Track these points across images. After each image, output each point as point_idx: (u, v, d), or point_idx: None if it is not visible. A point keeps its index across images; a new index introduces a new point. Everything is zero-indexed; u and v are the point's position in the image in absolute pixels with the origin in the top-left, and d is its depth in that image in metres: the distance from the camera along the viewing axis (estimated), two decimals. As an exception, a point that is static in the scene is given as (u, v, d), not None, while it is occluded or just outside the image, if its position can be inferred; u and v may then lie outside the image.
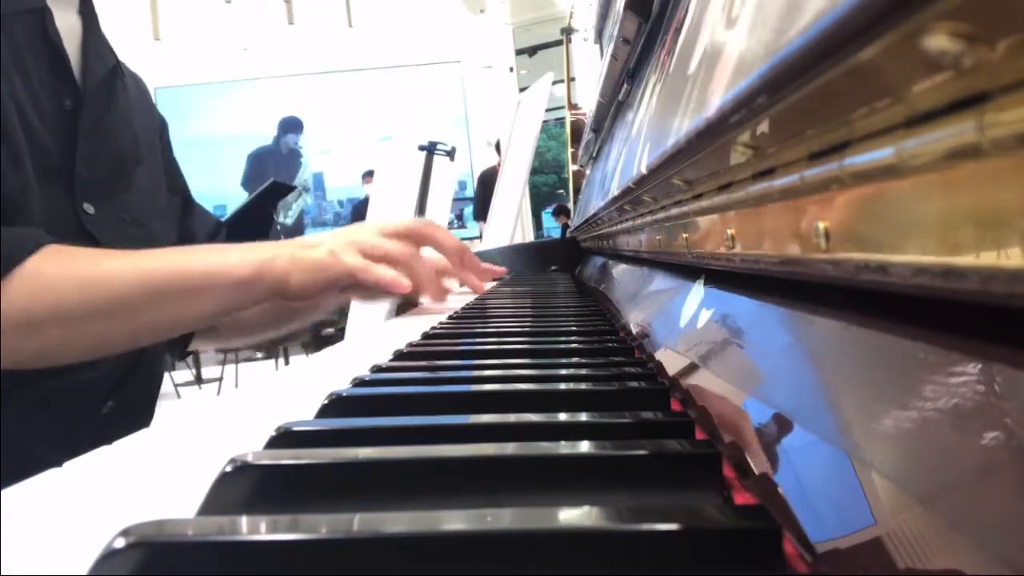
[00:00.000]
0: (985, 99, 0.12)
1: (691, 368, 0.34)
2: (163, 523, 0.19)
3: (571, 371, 0.43)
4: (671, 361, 0.37)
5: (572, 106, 2.61)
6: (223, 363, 4.39)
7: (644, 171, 0.46)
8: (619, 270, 0.88)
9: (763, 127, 0.24)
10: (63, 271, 0.59)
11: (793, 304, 0.27)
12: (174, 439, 0.33)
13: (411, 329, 0.67)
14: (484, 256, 1.41)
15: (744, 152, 0.27)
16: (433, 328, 0.64)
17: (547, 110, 2.15)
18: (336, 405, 0.33)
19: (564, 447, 0.25)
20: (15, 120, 0.64)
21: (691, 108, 0.33)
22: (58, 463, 0.28)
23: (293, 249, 0.66)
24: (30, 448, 0.64)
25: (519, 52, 6.96)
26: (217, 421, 0.36)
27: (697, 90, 0.33)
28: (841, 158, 0.19)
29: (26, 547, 0.21)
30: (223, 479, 0.23)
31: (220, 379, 4.28)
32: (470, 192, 6.33)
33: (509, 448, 0.25)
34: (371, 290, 0.70)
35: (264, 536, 0.18)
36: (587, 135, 1.68)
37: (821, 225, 0.21)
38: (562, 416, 0.30)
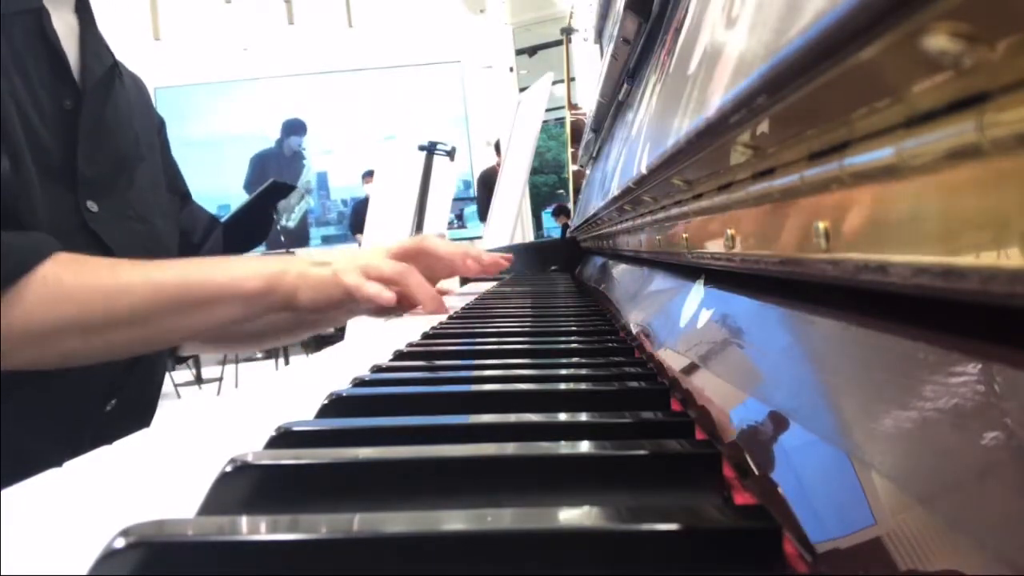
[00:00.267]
0: (985, 99, 0.12)
1: (691, 368, 0.34)
2: (163, 523, 0.19)
3: (571, 371, 0.43)
4: (671, 361, 0.37)
5: (572, 106, 2.61)
6: (223, 363, 4.39)
7: (644, 171, 0.46)
8: (619, 270, 0.88)
9: (763, 127, 0.24)
10: (82, 281, 0.61)
11: (793, 304, 0.27)
12: (174, 439, 0.33)
13: (411, 329, 0.67)
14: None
15: (744, 152, 0.27)
16: (433, 328, 0.64)
17: (547, 110, 2.15)
18: (336, 405, 0.33)
19: (564, 447, 0.25)
20: (16, 121, 0.65)
21: (691, 108, 0.33)
22: (60, 463, 0.28)
23: (302, 266, 0.69)
24: (31, 447, 0.65)
25: (519, 52, 6.96)
26: (217, 421, 0.36)
27: (697, 90, 0.33)
28: (841, 158, 0.19)
29: (26, 547, 0.21)
30: (223, 479, 0.23)
31: (220, 379, 4.27)
32: (471, 192, 6.33)
33: (509, 448, 0.25)
34: (370, 307, 0.73)
35: (264, 536, 0.18)
36: (587, 135, 1.68)
37: (821, 225, 0.21)
38: (562, 416, 0.30)
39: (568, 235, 1.88)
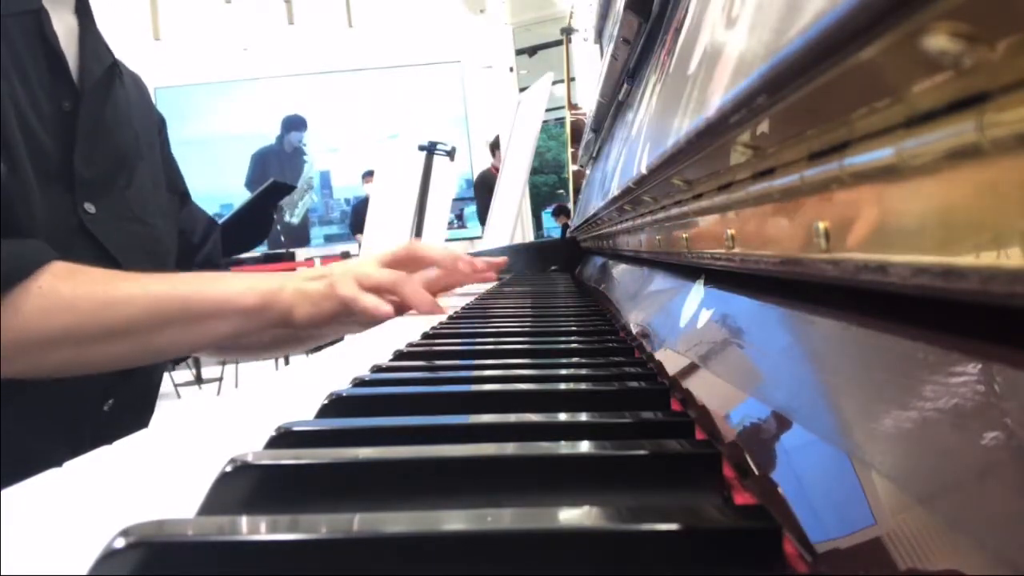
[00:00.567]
0: (985, 99, 0.12)
1: (691, 368, 0.34)
2: (163, 523, 0.19)
3: (571, 371, 0.43)
4: (671, 361, 0.37)
5: (572, 106, 2.61)
6: (223, 363, 4.39)
7: (644, 171, 0.46)
8: (619, 270, 0.88)
9: (763, 127, 0.24)
10: (79, 292, 0.61)
11: (793, 304, 0.27)
12: (174, 439, 0.33)
13: (411, 329, 0.67)
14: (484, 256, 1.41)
15: (744, 152, 0.27)
16: (433, 328, 0.64)
17: (547, 110, 2.15)
18: (336, 405, 0.33)
19: (564, 447, 0.25)
20: (14, 123, 0.64)
21: (691, 108, 0.33)
22: (59, 462, 0.28)
23: (298, 281, 0.69)
24: (31, 447, 0.65)
25: (519, 52, 6.97)
26: (217, 421, 0.36)
27: (697, 90, 0.33)
28: (841, 158, 0.19)
29: (26, 547, 0.21)
30: (223, 479, 0.23)
31: (220, 379, 4.27)
32: (471, 192, 6.33)
33: (509, 448, 0.25)
34: (367, 320, 0.73)
35: (264, 536, 0.18)
36: (587, 135, 1.68)
37: (821, 225, 0.21)
38: (562, 416, 0.30)
39: (568, 235, 1.88)
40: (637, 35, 0.85)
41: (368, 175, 5.49)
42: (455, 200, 4.79)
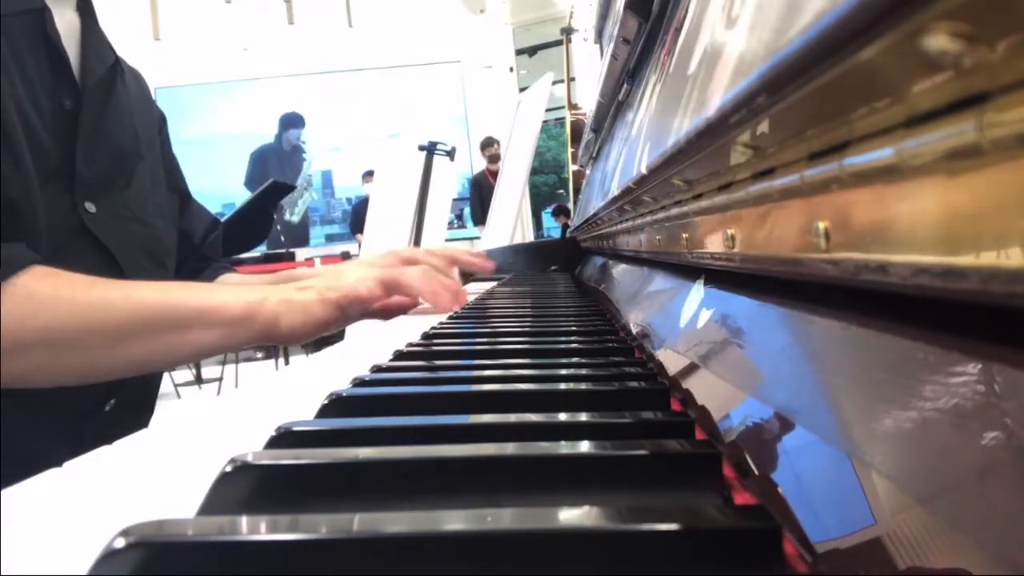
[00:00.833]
0: (985, 99, 0.12)
1: (691, 368, 0.34)
2: (163, 523, 0.19)
3: (571, 371, 0.43)
4: (671, 361, 0.37)
5: (572, 106, 2.61)
6: (223, 363, 4.39)
7: (644, 171, 0.46)
8: (619, 270, 0.88)
9: (763, 127, 0.24)
10: (56, 294, 0.58)
11: (793, 304, 0.27)
12: (174, 439, 0.33)
13: (411, 329, 0.67)
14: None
15: (744, 152, 0.27)
16: (433, 328, 0.64)
17: (547, 110, 2.15)
18: (336, 405, 0.33)
19: (564, 447, 0.25)
20: (15, 121, 0.64)
21: (691, 108, 0.33)
22: (59, 462, 0.28)
23: (284, 292, 0.67)
24: (31, 447, 0.64)
25: (519, 52, 6.97)
26: (217, 421, 0.36)
27: (697, 90, 0.33)
28: (841, 158, 0.19)
29: (26, 547, 0.21)
30: (223, 479, 0.23)
31: (220, 379, 4.27)
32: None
33: (509, 448, 0.25)
34: (365, 311, 0.73)
35: (264, 536, 0.18)
36: (587, 135, 1.68)
37: (821, 225, 0.21)
38: (562, 416, 0.30)
39: (568, 235, 1.88)
40: (637, 35, 0.85)
41: (368, 175, 5.49)
42: (455, 200, 4.79)
